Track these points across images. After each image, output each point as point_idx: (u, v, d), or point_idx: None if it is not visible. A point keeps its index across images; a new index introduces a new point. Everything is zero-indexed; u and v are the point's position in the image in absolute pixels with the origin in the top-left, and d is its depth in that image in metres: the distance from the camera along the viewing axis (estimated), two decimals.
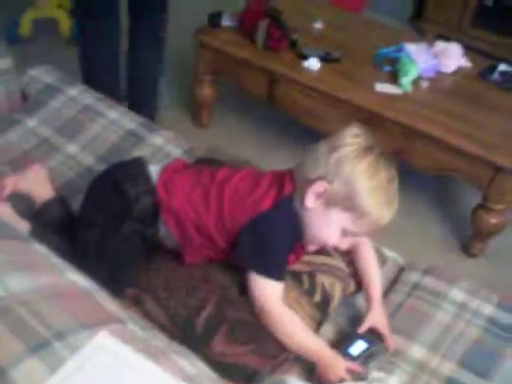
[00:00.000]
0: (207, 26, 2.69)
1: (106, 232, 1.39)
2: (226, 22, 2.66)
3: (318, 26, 2.80)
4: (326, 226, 1.33)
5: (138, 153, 1.80)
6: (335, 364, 1.28)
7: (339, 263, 1.52)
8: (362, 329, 1.39)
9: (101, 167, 1.76)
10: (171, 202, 1.40)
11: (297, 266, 1.46)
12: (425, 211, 2.67)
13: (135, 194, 1.40)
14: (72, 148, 1.85)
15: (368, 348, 1.35)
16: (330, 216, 1.32)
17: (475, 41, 3.72)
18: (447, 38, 3.50)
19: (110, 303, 0.87)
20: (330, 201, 1.30)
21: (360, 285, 1.52)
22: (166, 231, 1.42)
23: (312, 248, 1.45)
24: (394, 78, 2.49)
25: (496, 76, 2.61)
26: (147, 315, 1.32)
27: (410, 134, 2.33)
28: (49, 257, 0.90)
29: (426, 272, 1.65)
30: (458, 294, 1.58)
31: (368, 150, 1.31)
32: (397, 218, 2.51)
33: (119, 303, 0.93)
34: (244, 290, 1.37)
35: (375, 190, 1.29)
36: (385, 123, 2.35)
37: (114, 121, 1.93)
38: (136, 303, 1.35)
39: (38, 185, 1.56)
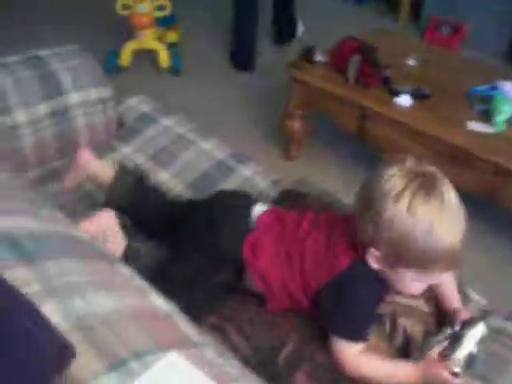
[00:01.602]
0: (300, 60, 2.73)
1: (198, 270, 1.41)
2: (319, 57, 2.69)
3: (411, 62, 2.78)
4: (404, 281, 1.28)
5: (226, 183, 1.85)
6: (433, 372, 1.25)
7: (420, 303, 1.49)
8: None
9: (189, 195, 1.82)
10: (257, 264, 1.39)
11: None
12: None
13: (227, 244, 1.41)
14: (164, 175, 1.91)
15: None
16: (401, 274, 1.25)
17: None
18: None
19: (188, 328, 0.90)
20: (391, 264, 1.24)
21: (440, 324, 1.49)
22: (252, 282, 1.43)
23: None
24: (486, 116, 2.43)
25: None
26: (229, 343, 1.33)
27: (503, 173, 2.26)
28: (133, 278, 0.94)
29: (510, 317, 1.59)
30: None
31: (402, 191, 1.17)
32: (480, 255, 2.47)
33: (199, 329, 0.95)
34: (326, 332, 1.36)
35: (432, 233, 1.15)
36: (476, 162, 2.30)
37: (206, 151, 1.98)
38: (217, 330, 1.37)
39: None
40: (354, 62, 2.52)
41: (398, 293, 1.37)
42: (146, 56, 3.65)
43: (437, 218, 1.16)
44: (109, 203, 1.58)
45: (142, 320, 0.82)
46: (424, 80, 2.65)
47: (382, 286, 1.32)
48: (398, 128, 2.43)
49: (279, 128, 2.94)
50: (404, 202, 1.16)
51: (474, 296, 1.68)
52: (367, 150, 2.75)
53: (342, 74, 2.58)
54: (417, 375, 1.27)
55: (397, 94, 2.50)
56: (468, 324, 1.32)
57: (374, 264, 1.26)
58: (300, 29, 4.13)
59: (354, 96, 2.55)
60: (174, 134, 2.05)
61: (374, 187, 1.21)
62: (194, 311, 1.07)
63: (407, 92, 2.50)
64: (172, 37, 3.73)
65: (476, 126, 2.40)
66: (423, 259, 1.19)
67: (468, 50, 4.00)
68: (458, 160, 2.35)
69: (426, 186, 1.18)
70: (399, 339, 1.41)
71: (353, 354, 1.30)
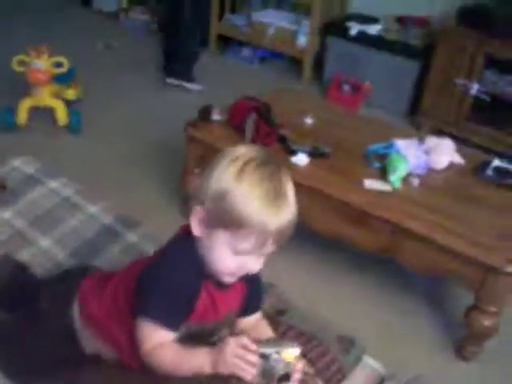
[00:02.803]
0: (197, 120, 2.69)
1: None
2: (216, 116, 2.66)
3: (309, 121, 2.79)
4: (217, 250, 1.25)
5: (111, 249, 1.75)
6: (225, 351, 1.19)
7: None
8: None
9: (71, 262, 1.71)
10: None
11: None
12: (417, 311, 2.57)
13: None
14: (45, 242, 1.80)
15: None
16: (217, 239, 1.24)
17: (471, 134, 3.74)
18: (443, 132, 3.54)
19: None
20: (209, 223, 1.24)
21: None
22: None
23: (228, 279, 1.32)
24: (383, 174, 2.45)
25: (490, 172, 2.57)
26: None
27: (399, 232, 2.26)
28: None
29: (409, 383, 1.55)
30: None
31: (236, 159, 1.23)
32: (387, 317, 2.46)
33: None
34: None
35: (244, 197, 1.19)
36: (373, 221, 2.30)
37: (92, 215, 1.89)
38: None
39: None
40: (250, 121, 2.50)
41: (216, 273, 1.30)
42: (45, 114, 3.53)
43: (257, 188, 1.20)
44: None
45: None
46: (322, 138, 2.66)
47: (198, 270, 1.30)
48: (295, 188, 2.40)
49: (180, 185, 2.88)
50: (236, 166, 1.22)
51: (371, 362, 1.64)
52: None
53: (239, 133, 2.55)
54: (216, 359, 1.20)
55: (294, 152, 2.48)
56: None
57: (195, 226, 1.26)
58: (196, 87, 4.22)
59: None
60: (59, 198, 1.95)
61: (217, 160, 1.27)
62: None
63: (304, 151, 2.49)
64: (71, 94, 3.63)
65: (373, 184, 2.40)
66: (237, 220, 1.19)
67: (369, 108, 4.10)
68: (355, 218, 2.34)
69: (260, 161, 1.24)
70: None
71: (157, 340, 1.24)
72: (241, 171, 1.21)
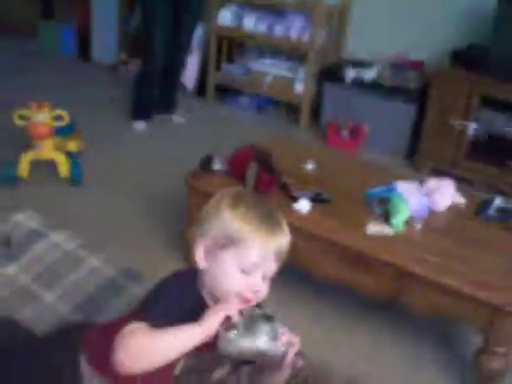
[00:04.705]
0: (198, 170, 2.71)
1: None
2: (217, 165, 2.67)
3: (310, 167, 2.81)
4: (225, 271, 1.32)
5: (115, 302, 1.74)
6: (210, 320, 1.22)
7: None
8: None
9: (76, 317, 1.70)
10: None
11: None
12: (426, 355, 2.54)
13: None
14: (50, 297, 1.79)
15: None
16: (223, 261, 1.31)
17: (471, 173, 3.77)
18: (443, 172, 3.56)
19: None
20: (214, 250, 1.32)
21: None
22: None
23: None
24: (385, 218, 2.45)
25: (491, 212, 2.58)
26: None
27: (404, 276, 2.25)
28: None
29: None
30: None
31: (229, 193, 1.38)
32: (397, 364, 2.43)
33: None
34: None
35: (243, 217, 1.31)
36: (377, 265, 2.29)
37: (95, 268, 1.89)
38: None
39: None
40: (252, 170, 2.51)
41: (225, 298, 1.32)
42: (47, 166, 3.55)
43: (254, 210, 1.33)
44: None
45: None
46: (323, 184, 2.67)
47: (195, 298, 1.35)
48: (298, 234, 2.40)
49: (183, 236, 2.88)
50: (231, 196, 1.36)
51: None
52: None
53: (241, 182, 2.56)
54: (201, 331, 1.21)
55: (296, 199, 2.49)
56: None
57: (201, 258, 1.34)
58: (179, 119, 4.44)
59: None
60: (62, 251, 1.95)
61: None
62: None
63: (306, 197, 2.50)
64: (72, 146, 3.66)
65: (375, 228, 2.40)
66: (239, 237, 1.30)
67: (368, 151, 4.13)
68: (358, 264, 2.33)
69: (251, 201, 1.38)
70: None
71: (131, 327, 1.22)
72: (237, 198, 1.35)
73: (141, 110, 4.35)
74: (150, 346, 1.19)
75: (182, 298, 1.31)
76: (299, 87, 4.59)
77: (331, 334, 2.55)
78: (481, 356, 2.23)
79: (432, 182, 2.67)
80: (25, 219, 2.10)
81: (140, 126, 4.33)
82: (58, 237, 2.01)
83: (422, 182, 2.68)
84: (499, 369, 2.22)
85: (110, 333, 1.42)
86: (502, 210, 2.60)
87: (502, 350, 2.20)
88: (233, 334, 1.19)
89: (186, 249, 2.88)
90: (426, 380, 2.42)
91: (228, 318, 1.22)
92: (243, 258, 1.30)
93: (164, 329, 1.20)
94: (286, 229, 1.36)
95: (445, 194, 2.63)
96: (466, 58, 3.80)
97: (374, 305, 2.59)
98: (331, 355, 2.21)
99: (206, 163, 2.68)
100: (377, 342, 2.54)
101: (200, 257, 1.34)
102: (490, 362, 2.21)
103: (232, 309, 1.23)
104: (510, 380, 2.31)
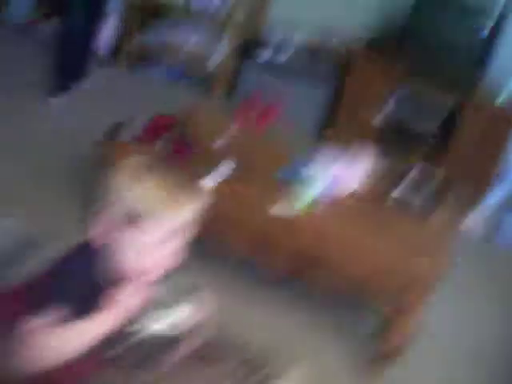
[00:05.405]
0: (106, 138, 2.64)
1: None
2: (127, 134, 2.62)
3: (221, 142, 2.80)
4: (127, 249, 1.27)
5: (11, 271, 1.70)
6: (115, 308, 1.21)
7: None
8: None
9: None
10: None
11: None
12: (326, 332, 2.61)
13: None
14: None
15: None
16: (126, 239, 1.27)
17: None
18: None
19: None
20: (116, 226, 1.27)
21: None
22: None
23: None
24: (292, 199, 2.48)
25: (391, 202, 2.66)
26: None
27: (303, 258, 2.31)
28: None
29: None
30: None
31: (129, 165, 1.30)
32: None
33: None
34: None
35: (146, 191, 1.25)
36: (281, 246, 2.33)
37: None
38: None
39: None
40: (164, 140, 2.48)
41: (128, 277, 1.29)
42: None
43: (154, 183, 1.27)
44: None
45: None
46: (234, 160, 2.67)
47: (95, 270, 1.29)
48: (206, 209, 2.40)
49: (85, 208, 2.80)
50: (130, 170, 1.28)
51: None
52: None
53: (151, 152, 2.52)
54: (105, 323, 1.20)
55: (205, 173, 2.48)
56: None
57: (100, 235, 1.28)
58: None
59: None
60: None
61: None
62: None
63: (216, 172, 2.50)
64: None
65: (280, 209, 2.43)
66: (139, 215, 1.24)
67: (279, 128, 4.15)
68: (263, 243, 2.36)
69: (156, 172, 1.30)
70: None
71: (33, 328, 1.18)
72: (141, 170, 1.28)
73: (60, 82, 4.07)
74: (56, 345, 1.18)
75: (81, 277, 1.27)
76: (215, 61, 4.55)
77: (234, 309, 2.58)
78: (380, 333, 2.33)
79: (339, 165, 2.68)
80: None
81: (58, 100, 4.06)
82: None
83: (328, 164, 2.68)
84: (398, 345, 2.32)
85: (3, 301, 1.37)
86: (400, 202, 2.67)
87: (403, 328, 2.29)
88: (138, 325, 1.18)
89: (88, 222, 2.82)
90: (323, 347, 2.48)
91: (133, 304, 1.20)
92: (148, 234, 1.25)
93: (67, 321, 1.19)
94: (193, 200, 1.34)
95: (350, 178, 2.67)
96: (380, 43, 3.87)
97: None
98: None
99: (115, 131, 2.61)
100: (275, 312, 2.59)
101: (100, 233, 1.28)
102: (389, 339, 2.31)
103: (135, 293, 1.21)
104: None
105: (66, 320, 1.20)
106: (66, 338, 1.19)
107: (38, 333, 1.16)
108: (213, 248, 2.50)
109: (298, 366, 1.83)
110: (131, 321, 1.19)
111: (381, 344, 2.35)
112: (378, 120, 3.88)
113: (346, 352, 2.53)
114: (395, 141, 3.91)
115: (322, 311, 2.67)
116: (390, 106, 3.89)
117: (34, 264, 1.74)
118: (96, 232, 1.28)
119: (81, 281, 1.26)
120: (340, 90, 4.00)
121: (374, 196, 2.68)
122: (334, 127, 4.06)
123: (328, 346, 2.54)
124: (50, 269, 1.32)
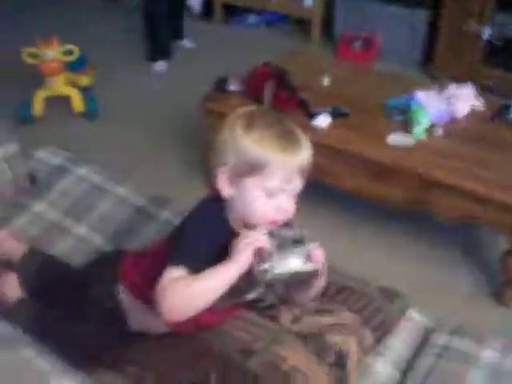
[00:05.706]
0: (213, 92, 2.69)
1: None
2: (232, 86, 2.65)
3: (326, 82, 2.78)
4: (252, 199, 1.30)
5: (146, 230, 1.78)
6: (242, 254, 1.22)
7: (345, 318, 1.48)
8: None
9: (109, 247, 1.74)
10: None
11: (302, 328, 1.42)
12: (452, 260, 2.57)
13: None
14: (81, 230, 1.82)
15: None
16: (248, 189, 1.29)
17: (486, 79, 3.68)
18: (459, 80, 3.49)
19: None
20: (236, 177, 1.30)
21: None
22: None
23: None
24: (406, 127, 2.44)
25: (511, 115, 2.55)
26: None
27: (427, 184, 2.26)
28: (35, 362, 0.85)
29: (454, 332, 1.56)
30: (490, 354, 1.49)
31: (241, 115, 1.33)
32: (422, 268, 2.46)
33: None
34: (245, 356, 1.33)
35: (260, 140, 1.26)
36: (400, 175, 2.30)
37: (123, 199, 1.90)
38: (138, 381, 1.31)
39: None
40: (269, 88, 2.49)
41: (251, 226, 1.31)
42: (61, 103, 3.54)
43: (269, 130, 1.29)
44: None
45: None
46: (341, 98, 2.65)
47: (224, 224, 1.34)
48: (319, 150, 2.39)
49: (203, 161, 2.89)
50: (243, 119, 1.30)
51: (416, 315, 1.65)
52: None
53: (258, 102, 2.54)
54: (235, 268, 1.22)
55: (314, 115, 2.48)
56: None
57: (225, 188, 1.31)
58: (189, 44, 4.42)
59: None
60: (88, 184, 1.96)
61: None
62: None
63: (324, 112, 2.49)
64: (85, 80, 3.63)
65: (396, 138, 2.39)
66: (260, 163, 1.26)
67: (382, 62, 4.06)
68: (382, 174, 2.34)
69: (264, 110, 1.39)
70: (331, 357, 1.39)
71: (170, 278, 1.23)
72: (251, 120, 1.29)
73: (159, 50, 4.19)
74: (190, 294, 1.22)
75: (211, 229, 1.31)
76: (309, 0, 4.47)
77: (357, 244, 2.59)
78: (507, 258, 2.26)
79: (451, 89, 2.63)
80: (48, 156, 2.10)
81: (160, 66, 4.19)
82: (82, 171, 2.01)
83: (440, 89, 2.64)
84: None
85: (145, 261, 1.46)
86: None
87: None
88: (266, 265, 1.21)
89: (207, 174, 2.90)
90: (454, 285, 2.46)
91: (259, 248, 1.23)
92: (267, 183, 1.27)
93: (199, 272, 1.23)
94: (306, 144, 1.32)
95: (464, 99, 2.60)
96: None
97: (395, 214, 2.60)
98: (359, 266, 2.25)
99: (221, 84, 2.65)
100: (405, 249, 2.58)
101: (223, 185, 1.31)
102: None
103: (261, 239, 1.23)
104: None
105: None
106: (204, 284, 1.23)
107: (179, 283, 1.22)
108: (327, 189, 2.51)
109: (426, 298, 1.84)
110: (260, 262, 1.21)
111: (506, 270, 2.28)
112: (486, 33, 3.67)
113: (472, 281, 2.48)
114: (505, 54, 3.70)
115: (441, 244, 2.63)
116: (497, 21, 3.67)
117: (158, 226, 1.83)
118: (219, 184, 1.31)
119: (212, 233, 1.31)
120: (442, 11, 3.81)
121: (487, 117, 2.57)
122: (439, 49, 3.88)
123: (456, 277, 2.50)
124: (180, 226, 1.37)
